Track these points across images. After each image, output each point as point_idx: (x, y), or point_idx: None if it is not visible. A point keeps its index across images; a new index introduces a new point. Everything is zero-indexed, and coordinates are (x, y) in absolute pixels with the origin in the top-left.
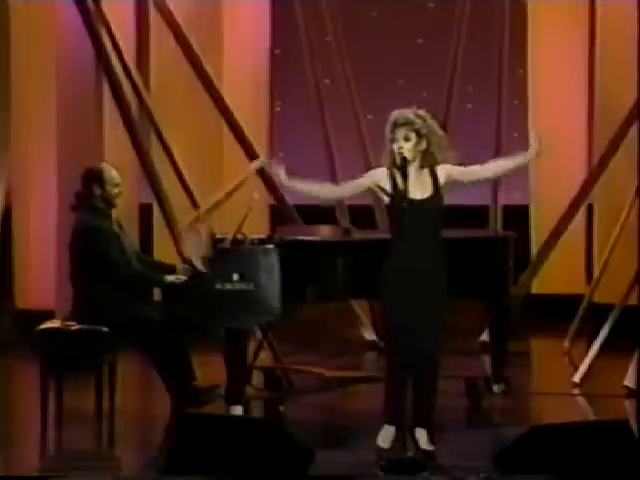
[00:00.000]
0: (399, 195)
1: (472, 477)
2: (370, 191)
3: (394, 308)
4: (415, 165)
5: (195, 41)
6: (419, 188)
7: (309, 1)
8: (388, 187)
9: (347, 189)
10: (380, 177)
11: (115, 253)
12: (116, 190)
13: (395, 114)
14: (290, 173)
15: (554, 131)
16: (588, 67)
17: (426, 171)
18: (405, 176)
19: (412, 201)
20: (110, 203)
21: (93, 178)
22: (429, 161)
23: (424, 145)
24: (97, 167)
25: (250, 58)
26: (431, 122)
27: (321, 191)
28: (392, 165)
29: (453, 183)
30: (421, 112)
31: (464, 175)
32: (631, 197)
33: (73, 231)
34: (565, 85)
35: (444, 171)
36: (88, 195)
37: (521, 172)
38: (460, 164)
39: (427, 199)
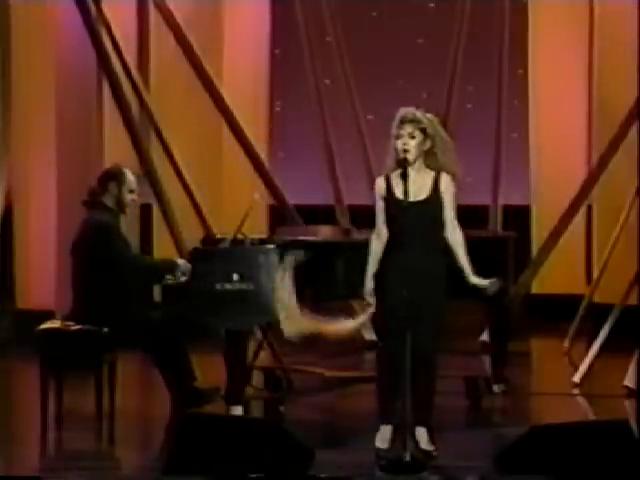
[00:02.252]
0: (398, 196)
1: (472, 477)
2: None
3: (392, 308)
4: (417, 166)
5: (195, 41)
6: (419, 189)
7: (309, 1)
8: (385, 191)
9: (384, 226)
10: (380, 186)
11: (129, 251)
12: (131, 196)
13: (403, 111)
14: (290, 173)
15: (554, 131)
16: (588, 67)
17: (427, 173)
18: (405, 176)
19: (411, 202)
20: (122, 206)
21: (112, 177)
22: (431, 162)
23: (428, 145)
24: (118, 167)
25: (250, 58)
26: (439, 128)
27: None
28: (395, 163)
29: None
30: (429, 115)
31: (445, 211)
32: (631, 197)
33: (83, 228)
34: (565, 85)
35: (446, 180)
36: (103, 193)
37: (521, 172)
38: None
39: (425, 200)
